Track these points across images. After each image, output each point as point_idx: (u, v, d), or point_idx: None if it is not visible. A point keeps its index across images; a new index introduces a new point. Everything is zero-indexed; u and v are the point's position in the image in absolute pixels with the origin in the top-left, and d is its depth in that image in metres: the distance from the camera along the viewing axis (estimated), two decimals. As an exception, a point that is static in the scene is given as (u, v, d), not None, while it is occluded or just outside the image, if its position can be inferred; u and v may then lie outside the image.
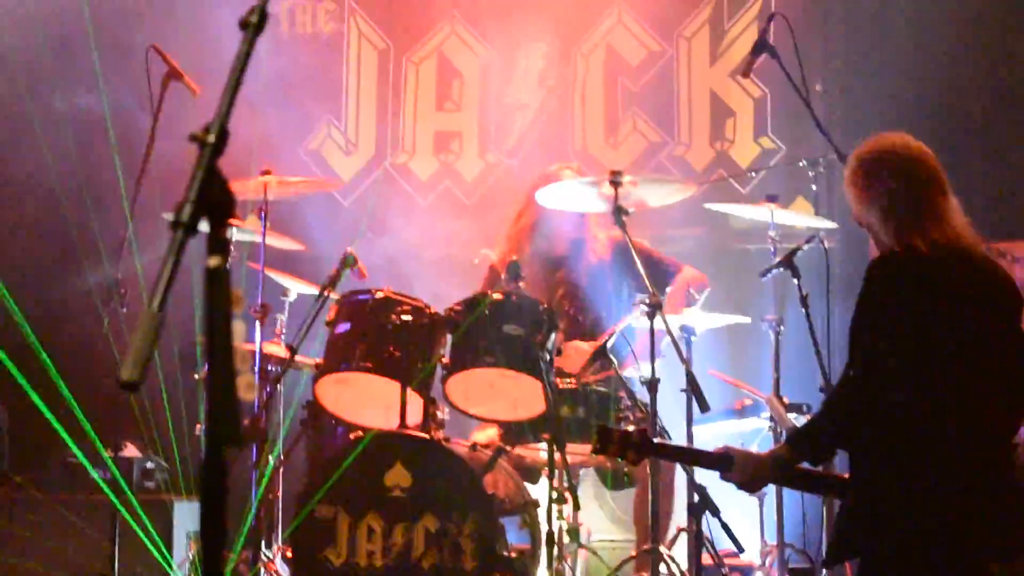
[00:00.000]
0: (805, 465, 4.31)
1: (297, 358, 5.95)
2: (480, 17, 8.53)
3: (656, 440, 4.84)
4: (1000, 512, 3.83)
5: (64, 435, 7.05)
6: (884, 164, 4.09)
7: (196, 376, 6.40)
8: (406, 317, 5.87)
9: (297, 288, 6.60)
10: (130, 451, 6.86)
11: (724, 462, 4.35)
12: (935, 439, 3.87)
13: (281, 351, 6.23)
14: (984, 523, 3.82)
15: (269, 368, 6.22)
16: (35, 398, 6.38)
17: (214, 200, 2.07)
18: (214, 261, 2.06)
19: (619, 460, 5.26)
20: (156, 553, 6.54)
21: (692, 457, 5.07)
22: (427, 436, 5.68)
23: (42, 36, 8.08)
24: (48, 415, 6.95)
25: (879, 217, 4.06)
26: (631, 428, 4.50)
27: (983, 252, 4.03)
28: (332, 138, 8.71)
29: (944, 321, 3.90)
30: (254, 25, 2.18)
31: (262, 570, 5.70)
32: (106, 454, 6.52)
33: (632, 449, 4.39)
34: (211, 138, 2.08)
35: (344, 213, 7.99)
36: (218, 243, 2.07)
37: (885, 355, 3.90)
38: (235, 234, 6.28)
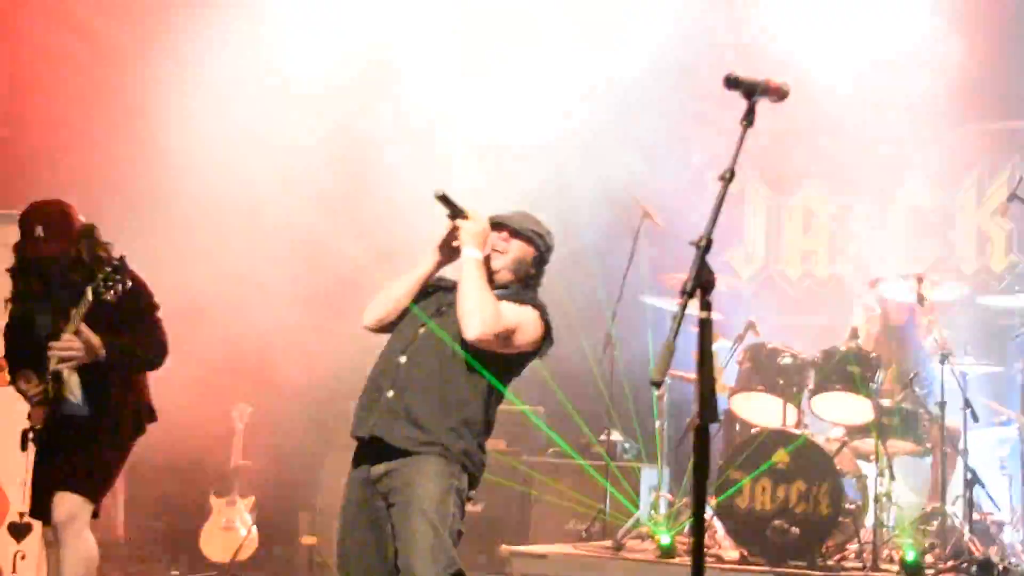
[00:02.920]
0: None
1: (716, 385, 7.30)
2: None
3: None
4: None
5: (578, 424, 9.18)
6: None
7: (654, 391, 8.33)
8: (787, 360, 7.96)
9: (715, 344, 8.10)
10: (614, 435, 9.00)
11: None
12: None
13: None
14: None
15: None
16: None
17: (703, 281, 2.76)
18: (703, 314, 2.77)
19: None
20: (628, 502, 8.59)
21: None
22: (799, 432, 7.57)
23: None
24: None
25: None
26: None
27: None
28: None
29: None
30: (727, 180, 2.87)
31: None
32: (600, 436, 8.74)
33: None
34: (703, 243, 2.77)
35: (742, 298, 10.24)
36: (705, 304, 2.80)
37: None
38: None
